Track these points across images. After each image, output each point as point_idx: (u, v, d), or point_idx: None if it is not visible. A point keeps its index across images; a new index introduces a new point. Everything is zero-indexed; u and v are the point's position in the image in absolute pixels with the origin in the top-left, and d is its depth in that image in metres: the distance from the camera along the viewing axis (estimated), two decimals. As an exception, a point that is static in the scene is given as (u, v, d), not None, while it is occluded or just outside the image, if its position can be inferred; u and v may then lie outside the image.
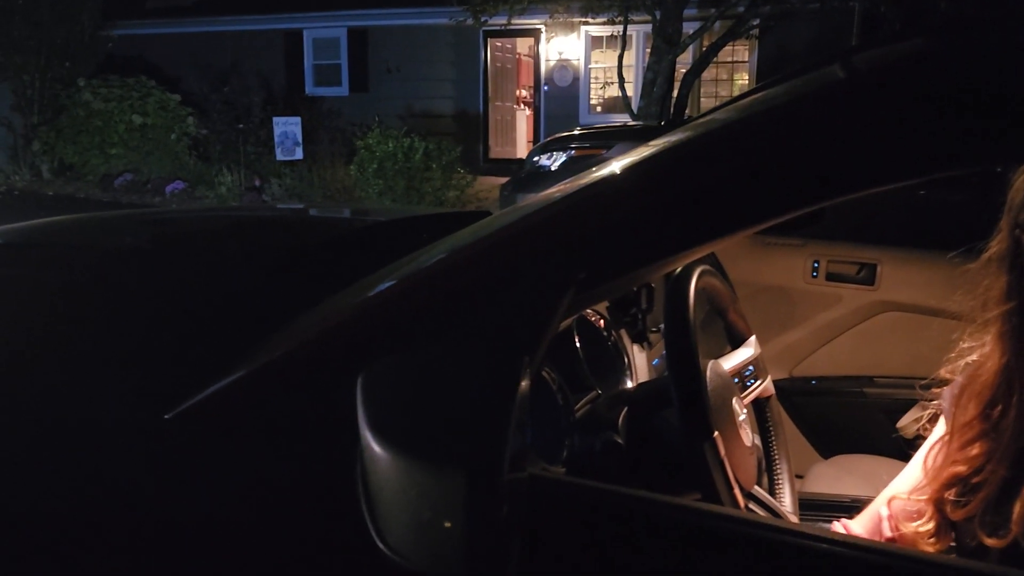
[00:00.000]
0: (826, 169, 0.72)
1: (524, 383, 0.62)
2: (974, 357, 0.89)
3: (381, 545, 0.60)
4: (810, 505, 1.51)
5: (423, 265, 0.84)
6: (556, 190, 0.91)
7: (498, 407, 0.57)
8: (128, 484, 0.84)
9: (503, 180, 8.03)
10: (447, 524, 0.54)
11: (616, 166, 0.86)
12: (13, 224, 1.66)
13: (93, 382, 0.95)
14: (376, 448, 0.59)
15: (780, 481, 1.27)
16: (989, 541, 0.80)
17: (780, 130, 0.76)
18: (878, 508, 1.04)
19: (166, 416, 0.84)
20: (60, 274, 1.27)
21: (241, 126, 10.47)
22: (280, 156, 9.23)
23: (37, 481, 0.86)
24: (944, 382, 0.98)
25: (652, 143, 0.86)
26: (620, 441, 1.07)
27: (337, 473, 0.70)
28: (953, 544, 0.90)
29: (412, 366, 0.66)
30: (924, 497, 0.92)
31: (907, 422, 1.77)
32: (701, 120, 0.95)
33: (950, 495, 0.86)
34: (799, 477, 1.72)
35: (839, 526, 1.07)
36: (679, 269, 1.08)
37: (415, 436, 0.59)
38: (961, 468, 0.85)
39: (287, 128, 9.21)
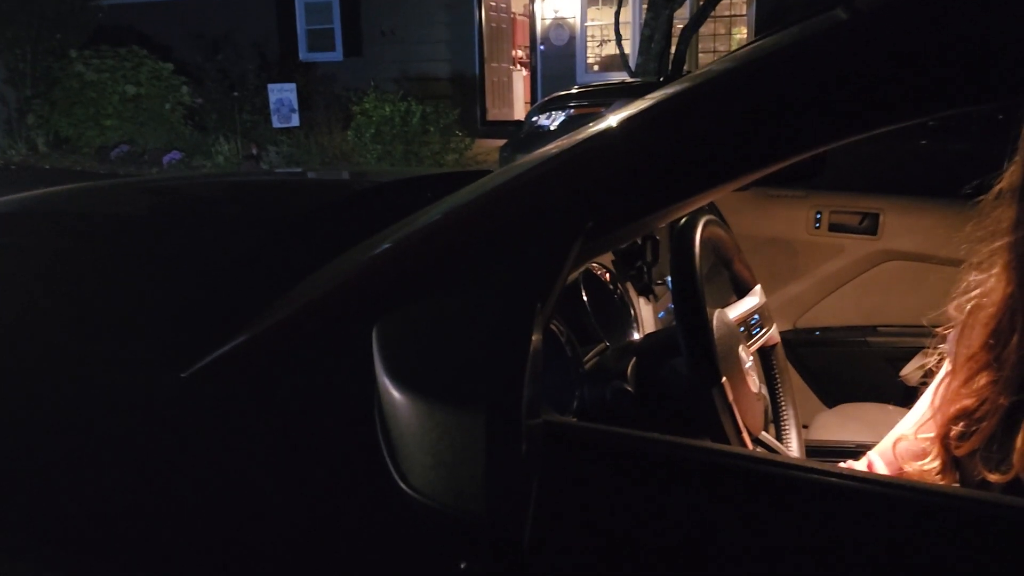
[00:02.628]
0: (827, 111, 0.73)
1: (537, 329, 0.64)
2: (979, 290, 0.90)
3: (403, 486, 0.62)
4: (816, 451, 1.53)
5: (432, 218, 0.85)
6: (561, 142, 0.91)
7: (514, 351, 0.58)
8: (148, 443, 0.85)
9: (501, 142, 7.99)
10: (468, 463, 0.56)
11: (619, 116, 0.86)
12: (16, 195, 1.66)
13: (108, 345, 0.96)
14: (395, 393, 0.61)
15: (787, 428, 1.29)
16: (992, 476, 0.82)
17: (781, 73, 0.76)
18: (883, 448, 1.05)
19: (182, 375, 0.85)
20: (70, 240, 1.28)
21: (236, 94, 10.39)
22: (276, 123, 9.17)
23: (58, 446, 0.87)
24: (949, 324, 0.99)
25: (654, 93, 0.86)
26: (630, 389, 1.08)
27: (356, 420, 0.72)
28: (957, 483, 0.92)
29: (426, 315, 0.67)
30: (930, 434, 0.93)
31: (910, 370, 1.79)
32: (701, 70, 0.95)
33: (955, 430, 0.88)
34: (804, 427, 1.75)
35: (862, 464, 1.08)
36: (684, 219, 1.09)
37: (433, 381, 0.60)
38: (966, 402, 0.86)
39: (282, 95, 9.14)
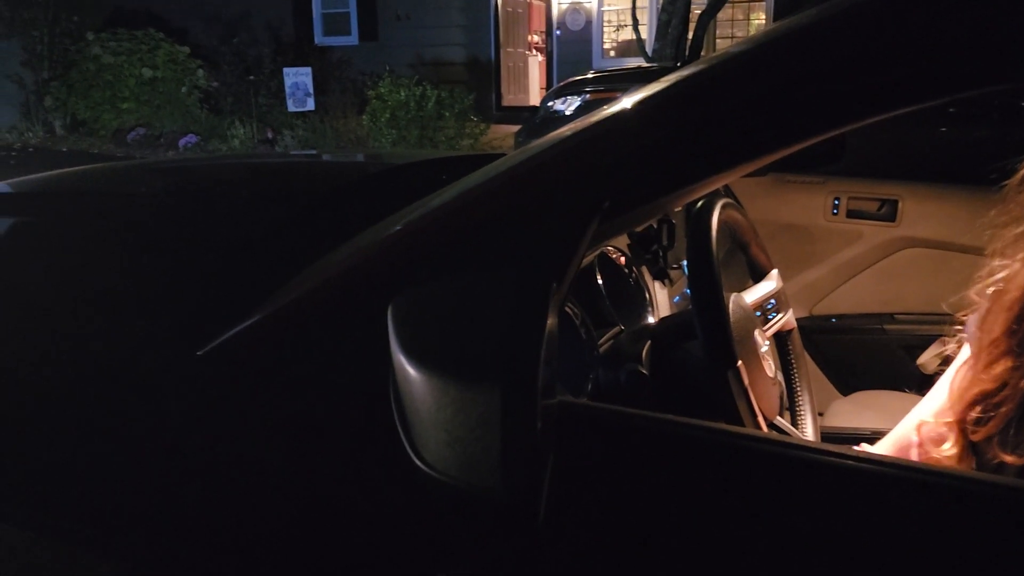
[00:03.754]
0: (849, 91, 0.72)
1: (553, 308, 0.63)
2: (1003, 275, 0.89)
3: (418, 462, 0.62)
4: (831, 438, 1.53)
5: (448, 198, 0.85)
6: (577, 123, 0.91)
7: (530, 329, 0.58)
8: (164, 421, 0.86)
9: (516, 128, 7.96)
10: (483, 439, 0.56)
11: (637, 96, 0.85)
12: (34, 175, 1.67)
13: (125, 323, 0.97)
14: (410, 370, 0.61)
15: (802, 413, 1.29)
16: (1009, 458, 0.81)
17: (803, 52, 0.75)
18: (903, 433, 1.05)
19: (198, 353, 0.86)
20: (88, 219, 1.29)
21: (252, 78, 10.39)
22: (292, 107, 9.18)
23: (76, 422, 0.88)
24: (969, 310, 0.99)
25: (670, 75, 0.86)
26: (645, 372, 1.08)
27: (370, 397, 0.72)
28: (974, 468, 0.92)
29: (442, 293, 0.67)
30: (949, 419, 0.93)
31: (928, 357, 1.77)
32: (719, 52, 0.94)
33: (972, 414, 0.87)
34: (819, 414, 1.74)
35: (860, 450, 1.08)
36: (701, 202, 1.08)
37: (449, 358, 0.60)
38: (985, 386, 0.86)
39: (298, 79, 9.14)
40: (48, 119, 11.11)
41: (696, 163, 0.78)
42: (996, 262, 0.90)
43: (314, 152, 6.71)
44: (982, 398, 0.86)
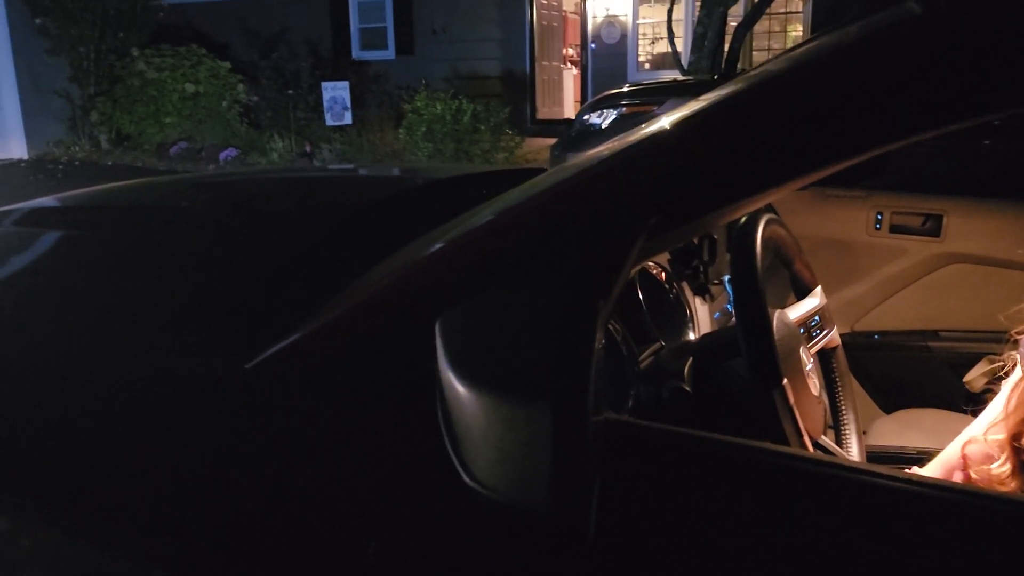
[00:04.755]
0: (895, 109, 0.71)
1: (601, 326, 0.63)
2: None
3: (467, 478, 0.62)
4: (876, 457, 1.50)
5: (494, 214, 0.85)
6: (623, 139, 0.91)
7: (580, 347, 0.58)
8: (212, 433, 0.87)
9: (551, 141, 7.97)
10: (534, 457, 0.56)
11: (680, 114, 0.85)
12: (85, 189, 1.71)
13: (175, 335, 0.98)
14: (459, 387, 0.61)
15: (847, 432, 1.27)
16: None
17: (847, 70, 0.75)
18: (950, 454, 1.03)
19: (246, 366, 0.87)
20: (136, 234, 1.31)
21: (290, 92, 10.54)
22: (330, 121, 9.29)
23: (128, 434, 0.90)
24: (1022, 329, 0.97)
25: (713, 92, 0.85)
26: (687, 389, 1.07)
27: (418, 413, 0.72)
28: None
29: (490, 309, 0.67)
30: (1001, 436, 0.91)
31: (974, 376, 1.74)
32: (759, 69, 0.94)
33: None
34: (863, 433, 1.71)
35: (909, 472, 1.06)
36: (745, 218, 1.07)
37: (499, 375, 0.61)
38: None
39: (335, 93, 9.25)
40: (94, 133, 11.36)
41: (742, 180, 0.78)
42: None
43: (354, 166, 6.78)
44: None
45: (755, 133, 0.77)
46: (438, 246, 0.87)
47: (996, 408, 0.98)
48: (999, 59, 0.67)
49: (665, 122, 0.85)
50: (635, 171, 0.81)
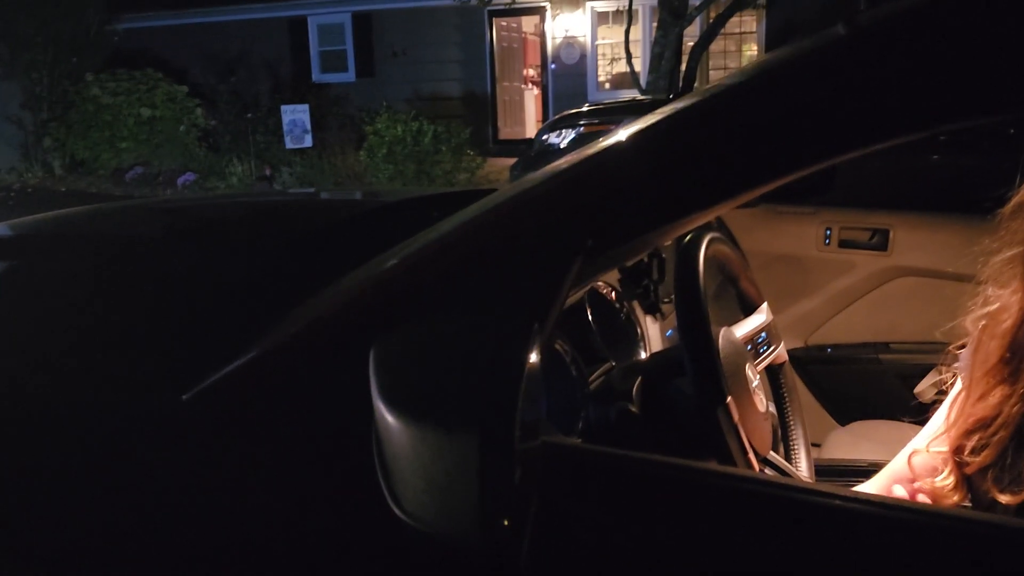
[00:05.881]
0: (829, 125, 0.72)
1: (535, 350, 0.63)
2: (996, 305, 0.89)
3: (397, 511, 0.61)
4: (827, 471, 1.51)
5: (431, 239, 0.85)
6: (561, 161, 0.91)
7: (508, 373, 0.58)
8: (149, 464, 0.85)
9: (513, 161, 8.01)
10: (461, 487, 0.55)
11: (620, 134, 0.85)
12: (26, 217, 1.68)
13: (110, 367, 0.96)
14: (389, 417, 0.60)
15: (796, 447, 1.27)
16: (1003, 498, 0.80)
17: (783, 88, 0.76)
18: (897, 466, 1.04)
19: (184, 397, 0.85)
20: (74, 262, 1.29)
21: (249, 115, 10.49)
22: (289, 144, 9.25)
23: (61, 467, 0.87)
24: (963, 340, 0.98)
25: (656, 112, 0.86)
26: (635, 410, 1.07)
27: (352, 443, 0.71)
28: (969, 500, 0.91)
29: (422, 336, 0.66)
30: (943, 449, 0.92)
31: (925, 387, 1.76)
32: (697, 91, 0.94)
33: (968, 444, 0.86)
34: (816, 445, 1.72)
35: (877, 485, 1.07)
36: (688, 237, 1.08)
37: (427, 404, 0.60)
38: (980, 415, 0.85)
39: (295, 116, 9.22)
40: (47, 159, 11.19)
41: (679, 199, 0.78)
42: (989, 291, 0.90)
43: (313, 190, 6.73)
44: (977, 427, 0.86)
45: (687, 152, 0.77)
46: (376, 271, 0.86)
47: (938, 421, 0.99)
48: (924, 78, 0.69)
49: (602, 144, 0.85)
50: (570, 193, 0.81)
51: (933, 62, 0.68)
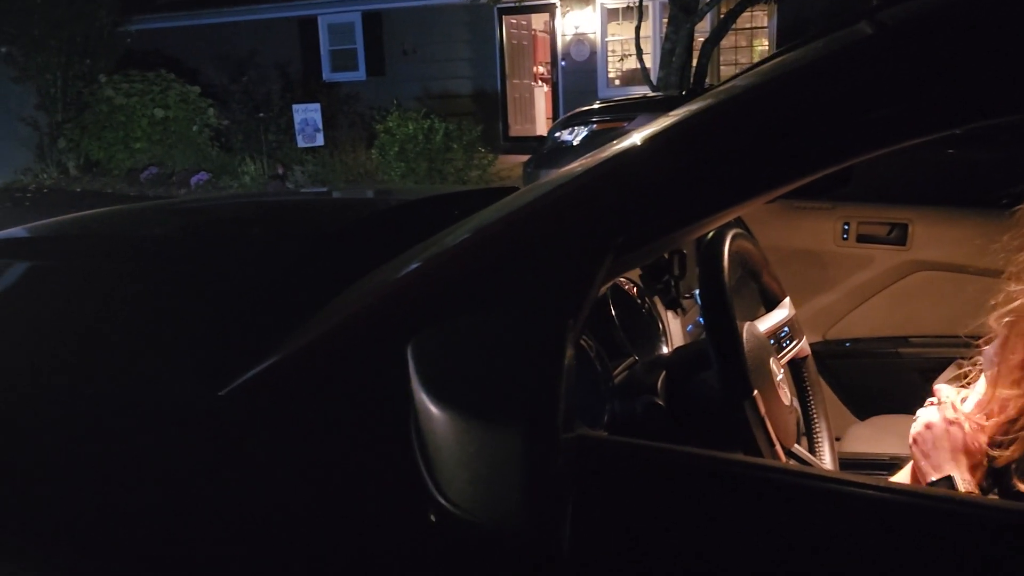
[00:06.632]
0: (854, 125, 0.73)
1: (570, 344, 0.64)
2: (1020, 302, 0.89)
3: (441, 500, 0.62)
4: (850, 464, 1.52)
5: (464, 236, 0.86)
6: (589, 160, 0.92)
7: (549, 366, 0.59)
8: (186, 460, 0.87)
9: (524, 158, 8.01)
10: (506, 477, 0.56)
11: (647, 132, 0.87)
12: (52, 218, 1.70)
13: (148, 365, 0.98)
14: (432, 409, 0.61)
15: (819, 440, 1.28)
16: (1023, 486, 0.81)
17: (806, 87, 0.77)
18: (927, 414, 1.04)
19: (220, 393, 0.87)
20: (110, 263, 1.31)
21: (261, 115, 10.53)
22: (301, 143, 9.28)
23: (100, 463, 0.89)
24: (984, 336, 0.99)
25: (680, 109, 0.87)
26: (660, 403, 1.08)
27: (392, 436, 0.73)
28: (995, 495, 0.91)
29: (461, 332, 0.68)
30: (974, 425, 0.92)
31: (944, 381, 1.76)
32: (725, 85, 0.95)
33: (995, 440, 0.87)
34: (836, 440, 1.73)
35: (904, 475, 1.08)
36: (712, 233, 1.09)
37: (470, 396, 0.61)
38: (1009, 412, 0.86)
39: (307, 115, 9.24)
40: (62, 160, 11.26)
41: (707, 198, 0.79)
42: (1012, 287, 0.90)
43: (326, 188, 6.75)
44: (1004, 424, 0.86)
45: (718, 150, 0.78)
46: (409, 269, 0.87)
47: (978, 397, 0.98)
48: (946, 78, 0.70)
49: (630, 142, 0.87)
50: (601, 191, 0.82)
51: (962, 58, 0.69)
